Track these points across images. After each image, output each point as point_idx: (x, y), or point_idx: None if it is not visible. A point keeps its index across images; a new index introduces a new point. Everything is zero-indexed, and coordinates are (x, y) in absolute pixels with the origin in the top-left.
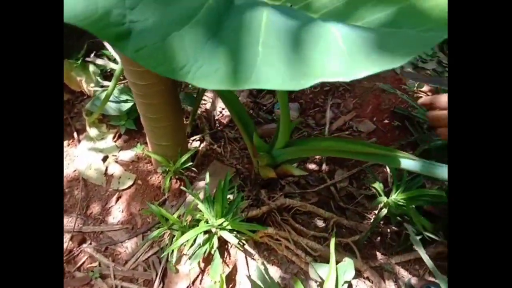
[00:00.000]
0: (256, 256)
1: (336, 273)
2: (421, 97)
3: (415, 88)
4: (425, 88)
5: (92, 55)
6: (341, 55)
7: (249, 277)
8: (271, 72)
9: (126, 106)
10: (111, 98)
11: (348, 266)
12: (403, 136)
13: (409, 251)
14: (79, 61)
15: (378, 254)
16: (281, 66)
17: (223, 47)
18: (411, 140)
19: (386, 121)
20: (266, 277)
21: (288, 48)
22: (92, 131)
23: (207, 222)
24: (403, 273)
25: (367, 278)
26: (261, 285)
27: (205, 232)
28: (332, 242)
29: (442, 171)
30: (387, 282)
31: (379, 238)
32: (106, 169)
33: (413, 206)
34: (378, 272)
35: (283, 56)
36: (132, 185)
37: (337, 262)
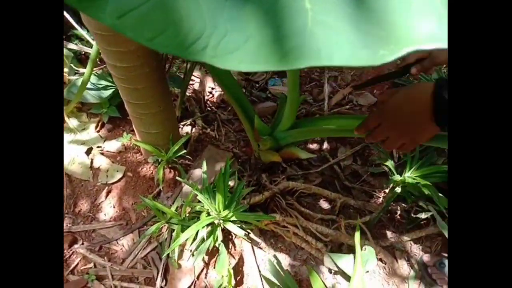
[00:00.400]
0: (263, 245)
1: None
2: None
3: None
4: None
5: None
6: (436, 10)
7: (261, 273)
8: (330, 38)
9: (107, 92)
10: (89, 85)
11: (369, 255)
12: None
13: (420, 228)
14: None
15: (389, 233)
16: (346, 29)
17: (252, 4)
18: None
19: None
20: (279, 270)
21: (351, 1)
22: (72, 122)
23: (208, 214)
24: (415, 251)
25: (380, 259)
26: (275, 281)
27: (208, 225)
28: (357, 236)
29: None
30: (400, 262)
31: (388, 216)
32: (92, 162)
33: (431, 184)
34: (390, 252)
35: (344, 14)
36: (121, 178)
37: (349, 246)
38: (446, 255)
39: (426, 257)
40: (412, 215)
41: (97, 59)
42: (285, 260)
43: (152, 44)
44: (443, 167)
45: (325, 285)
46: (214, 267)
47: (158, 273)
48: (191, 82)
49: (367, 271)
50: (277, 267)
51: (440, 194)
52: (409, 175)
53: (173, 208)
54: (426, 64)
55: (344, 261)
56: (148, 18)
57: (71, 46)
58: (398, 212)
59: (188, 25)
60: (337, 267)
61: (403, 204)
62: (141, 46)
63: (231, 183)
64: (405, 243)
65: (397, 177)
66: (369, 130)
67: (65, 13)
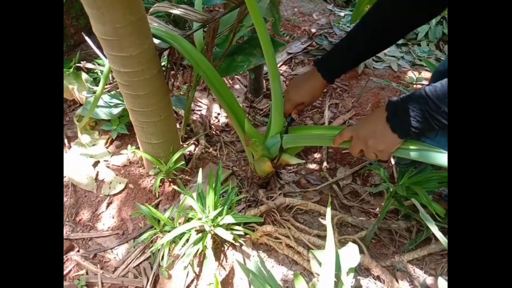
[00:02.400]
0: (255, 258)
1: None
2: None
3: (414, 82)
4: (424, 82)
5: (84, 62)
6: None
7: (240, 263)
8: None
9: (117, 110)
10: (102, 103)
11: (352, 251)
12: None
13: (422, 247)
14: (71, 70)
15: (388, 253)
16: None
17: None
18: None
19: None
20: (263, 270)
21: None
22: (84, 138)
23: (199, 219)
24: (418, 272)
25: (378, 277)
26: (258, 275)
27: (199, 232)
28: (328, 211)
29: (442, 157)
30: (401, 283)
31: (388, 235)
32: (97, 175)
33: (424, 190)
34: (390, 272)
35: None
36: (123, 190)
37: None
38: None
39: (430, 280)
40: (413, 234)
41: (112, 80)
42: (277, 275)
43: None
44: (437, 172)
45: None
46: (202, 278)
47: (147, 283)
48: (198, 108)
49: (352, 268)
50: (261, 267)
51: (435, 203)
52: (402, 183)
53: (166, 215)
54: (298, 108)
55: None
56: None
57: (89, 65)
58: (398, 232)
59: None
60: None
61: (402, 223)
62: (142, 51)
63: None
64: (407, 263)
65: (389, 185)
66: (344, 141)
67: (90, 43)
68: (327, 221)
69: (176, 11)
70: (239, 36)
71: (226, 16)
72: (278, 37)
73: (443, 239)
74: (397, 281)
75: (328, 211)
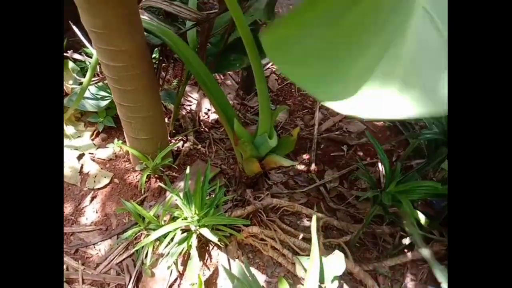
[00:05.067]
0: (240, 259)
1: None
2: None
3: None
4: None
5: (71, 52)
6: None
7: (226, 269)
8: None
9: (104, 102)
10: (89, 95)
11: (337, 259)
12: (394, 136)
13: (404, 253)
14: None
15: (372, 257)
16: None
17: None
18: (401, 139)
19: (376, 121)
20: (247, 273)
21: None
22: (69, 129)
23: (185, 219)
24: (399, 277)
25: (360, 281)
26: (242, 279)
27: (184, 231)
28: (314, 219)
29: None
30: (382, 287)
31: (372, 240)
32: (81, 168)
33: (408, 199)
34: (372, 276)
35: None
36: (108, 184)
37: None
38: (431, 285)
39: (410, 285)
40: (397, 239)
41: (100, 72)
42: (261, 276)
43: None
44: (424, 182)
45: None
46: (186, 277)
47: (130, 280)
48: (188, 103)
49: (336, 277)
50: (245, 270)
51: (419, 212)
52: (389, 190)
53: (151, 213)
54: None
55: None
56: None
57: (77, 56)
58: (382, 237)
59: None
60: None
61: (386, 229)
62: (133, 46)
63: (214, 195)
64: (389, 268)
65: (376, 193)
66: None
67: (77, 31)
68: (313, 231)
69: (169, 9)
70: (234, 38)
71: (222, 14)
72: None
73: (424, 248)
74: (379, 286)
75: (314, 222)
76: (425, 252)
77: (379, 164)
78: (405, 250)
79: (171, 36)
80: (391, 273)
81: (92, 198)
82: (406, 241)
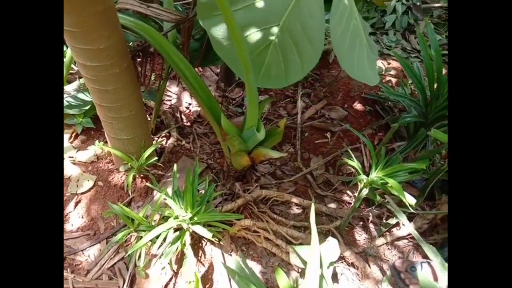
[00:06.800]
0: (234, 252)
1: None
2: (389, 80)
3: (383, 72)
4: (392, 71)
5: None
6: None
7: (226, 266)
8: None
9: (83, 103)
10: (65, 96)
11: (332, 245)
12: (375, 120)
13: (392, 233)
14: None
15: (361, 239)
16: None
17: None
18: (382, 123)
19: (357, 106)
20: (244, 267)
21: None
22: None
23: (177, 218)
24: (388, 256)
25: (352, 264)
26: (239, 272)
27: (176, 230)
28: (312, 209)
29: None
30: (372, 267)
31: (361, 222)
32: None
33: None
34: (363, 258)
35: None
36: (92, 187)
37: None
38: (416, 260)
39: (398, 263)
40: (384, 220)
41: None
42: (256, 267)
43: None
44: (408, 164)
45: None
46: (182, 276)
47: (124, 284)
48: (168, 98)
49: (332, 263)
50: (242, 264)
51: (407, 194)
52: (375, 175)
53: (141, 214)
54: None
55: (308, 252)
56: None
57: None
58: (370, 219)
59: None
60: (302, 261)
61: (375, 210)
62: (111, 45)
63: (203, 191)
64: (378, 248)
65: (363, 177)
66: None
67: None
68: (312, 222)
69: (146, 11)
70: None
71: None
72: None
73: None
74: (369, 266)
75: (312, 212)
76: (411, 229)
77: (362, 148)
78: (392, 230)
79: (150, 32)
80: (380, 253)
81: (76, 203)
82: (393, 221)
